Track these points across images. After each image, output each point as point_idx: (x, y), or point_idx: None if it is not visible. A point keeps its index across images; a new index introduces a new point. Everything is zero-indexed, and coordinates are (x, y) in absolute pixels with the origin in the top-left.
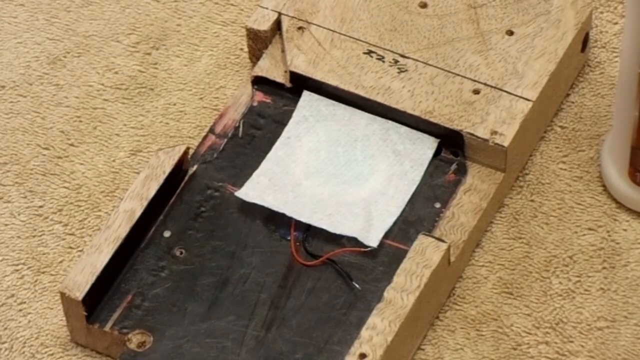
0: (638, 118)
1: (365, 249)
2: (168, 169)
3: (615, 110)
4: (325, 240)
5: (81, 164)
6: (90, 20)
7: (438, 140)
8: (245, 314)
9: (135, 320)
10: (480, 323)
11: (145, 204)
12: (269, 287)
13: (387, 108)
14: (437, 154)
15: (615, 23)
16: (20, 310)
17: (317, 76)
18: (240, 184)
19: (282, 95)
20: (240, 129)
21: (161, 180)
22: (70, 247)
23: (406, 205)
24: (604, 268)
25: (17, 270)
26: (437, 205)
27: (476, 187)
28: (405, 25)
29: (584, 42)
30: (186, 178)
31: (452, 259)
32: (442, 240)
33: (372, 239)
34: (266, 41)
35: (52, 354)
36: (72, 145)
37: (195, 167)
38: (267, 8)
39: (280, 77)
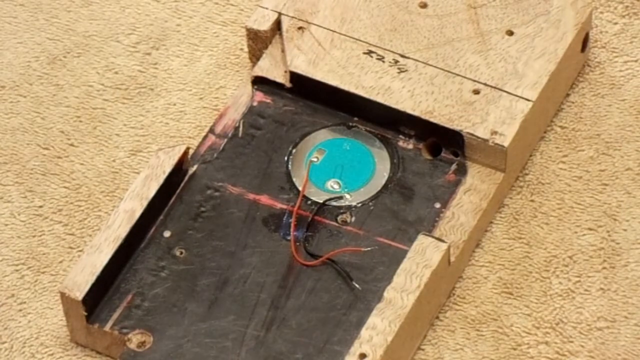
0: None
1: (365, 249)
2: (168, 169)
3: None
4: (325, 240)
5: (81, 164)
6: (90, 20)
7: None
8: (245, 314)
9: (135, 320)
10: (480, 323)
11: (145, 204)
12: (269, 287)
13: (387, 108)
14: (437, 153)
15: (615, 23)
16: (20, 310)
17: (317, 76)
18: (240, 184)
19: (282, 95)
20: (240, 129)
21: (161, 180)
22: (70, 247)
23: (406, 205)
24: (604, 268)
25: (17, 270)
26: (437, 205)
27: (476, 187)
28: (406, 25)
29: (584, 42)
30: (186, 178)
31: (452, 259)
32: (442, 241)
33: None
34: (266, 41)
35: (52, 354)
36: (72, 145)
37: (195, 167)
38: (267, 8)
39: (280, 77)
